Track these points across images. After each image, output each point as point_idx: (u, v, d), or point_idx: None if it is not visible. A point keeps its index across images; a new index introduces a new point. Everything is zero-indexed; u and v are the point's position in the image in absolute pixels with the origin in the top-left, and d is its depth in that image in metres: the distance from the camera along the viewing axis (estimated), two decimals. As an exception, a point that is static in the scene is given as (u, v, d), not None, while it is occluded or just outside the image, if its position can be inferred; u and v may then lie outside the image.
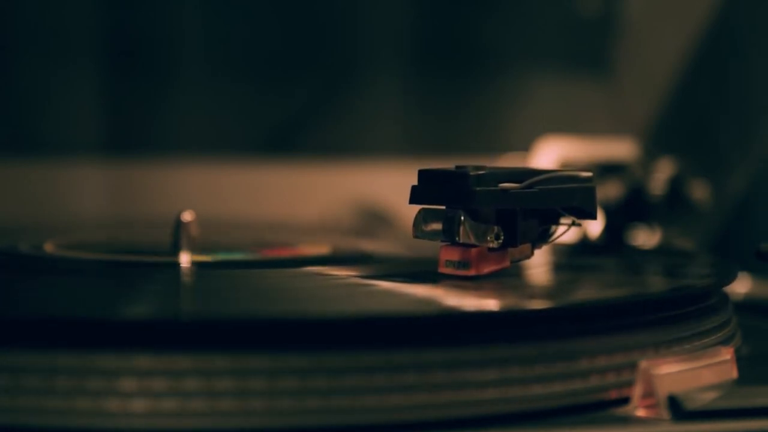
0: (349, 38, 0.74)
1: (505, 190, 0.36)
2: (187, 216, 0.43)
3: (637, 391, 0.31)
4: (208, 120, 0.72)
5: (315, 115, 0.73)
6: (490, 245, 0.36)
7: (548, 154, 0.59)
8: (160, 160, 0.70)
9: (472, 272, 0.36)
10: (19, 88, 0.70)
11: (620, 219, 0.56)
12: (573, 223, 0.38)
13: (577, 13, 0.74)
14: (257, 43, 0.72)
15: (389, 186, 0.59)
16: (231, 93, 0.72)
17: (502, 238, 0.36)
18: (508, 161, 0.66)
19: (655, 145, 0.63)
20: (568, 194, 0.37)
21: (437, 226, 0.36)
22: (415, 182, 0.37)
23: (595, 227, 0.55)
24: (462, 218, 0.35)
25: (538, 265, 0.41)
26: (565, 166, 0.58)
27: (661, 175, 0.56)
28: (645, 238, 0.56)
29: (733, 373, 0.33)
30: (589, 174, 0.38)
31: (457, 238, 0.36)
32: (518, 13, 0.74)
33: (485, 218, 0.36)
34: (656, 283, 0.42)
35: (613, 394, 0.32)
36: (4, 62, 0.70)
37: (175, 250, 0.43)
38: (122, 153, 0.70)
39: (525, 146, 0.65)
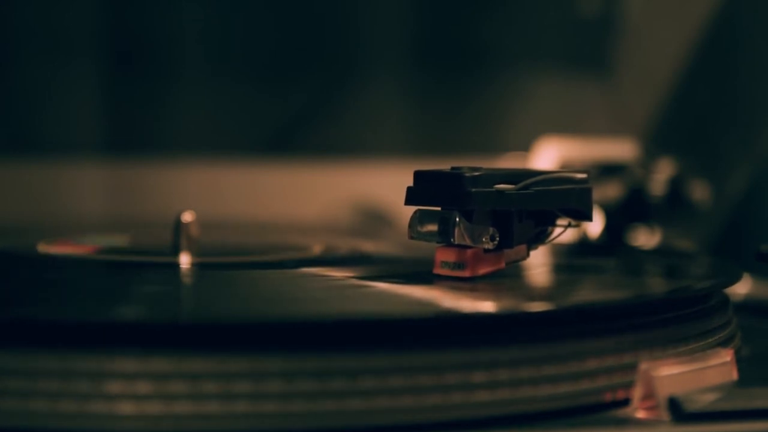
0: (349, 38, 0.74)
1: (501, 192, 0.35)
2: (188, 216, 0.43)
3: (637, 393, 0.31)
4: (209, 120, 0.72)
5: (315, 115, 0.73)
6: (486, 246, 0.36)
7: (548, 155, 0.59)
8: (160, 160, 0.70)
9: (467, 273, 0.36)
10: (19, 88, 0.70)
11: (620, 219, 0.56)
12: (569, 225, 0.38)
13: (577, 13, 0.74)
14: (257, 43, 0.72)
15: (389, 186, 0.59)
16: (231, 93, 0.72)
17: (498, 239, 0.36)
18: (508, 161, 0.66)
19: (655, 145, 0.63)
20: (563, 196, 0.37)
21: (433, 227, 0.36)
22: (414, 183, 0.37)
23: (595, 228, 0.54)
24: (457, 219, 0.35)
25: (538, 266, 0.41)
26: (565, 166, 0.58)
27: (661, 175, 0.56)
28: (645, 238, 0.56)
29: (734, 375, 0.33)
30: (585, 175, 0.38)
31: (452, 240, 0.35)
32: (518, 13, 0.74)
33: (481, 219, 0.36)
34: (656, 284, 0.42)
35: (613, 396, 0.32)
36: (4, 62, 0.70)
37: (175, 251, 0.43)
38: (122, 153, 0.70)
39: (525, 146, 0.65)
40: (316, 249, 0.47)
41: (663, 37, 0.70)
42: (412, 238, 0.37)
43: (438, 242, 0.36)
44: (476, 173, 0.35)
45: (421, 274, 0.37)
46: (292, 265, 0.43)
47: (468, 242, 0.36)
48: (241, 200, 0.71)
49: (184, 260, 0.42)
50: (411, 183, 0.36)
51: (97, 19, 0.70)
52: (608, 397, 0.32)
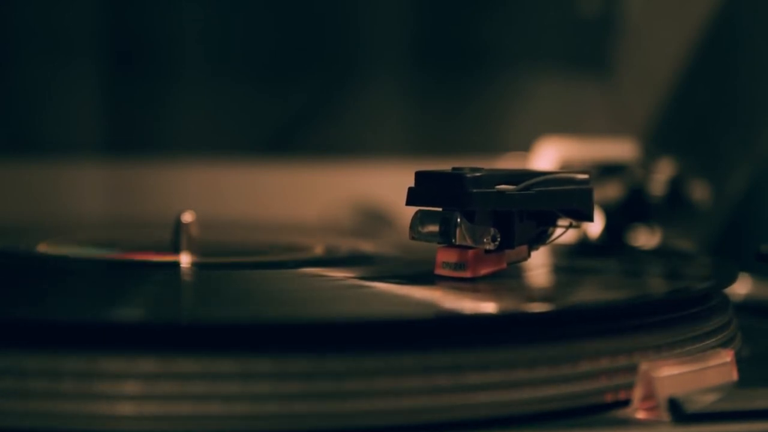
0: (349, 38, 0.74)
1: (502, 192, 0.36)
2: (188, 216, 0.43)
3: (637, 394, 0.31)
4: (209, 120, 0.72)
5: (315, 115, 0.73)
6: (487, 247, 0.36)
7: (548, 155, 0.59)
8: (161, 160, 0.70)
9: (468, 274, 0.36)
10: (20, 87, 0.70)
11: (620, 220, 0.56)
12: (570, 225, 0.38)
13: (577, 13, 0.74)
14: (257, 43, 0.72)
15: (389, 186, 0.59)
16: (231, 93, 0.72)
17: (499, 239, 0.36)
18: (508, 162, 0.66)
19: (655, 145, 0.63)
20: (564, 196, 0.37)
21: (434, 227, 0.36)
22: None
23: (595, 228, 0.54)
24: (458, 220, 0.35)
25: (538, 267, 0.41)
26: (565, 166, 0.58)
27: (661, 175, 0.56)
28: (645, 238, 0.56)
29: (734, 375, 0.33)
30: (586, 176, 0.38)
31: (453, 240, 0.35)
32: (518, 13, 0.74)
33: (482, 220, 0.36)
34: (656, 284, 0.42)
35: (614, 397, 0.32)
36: (4, 62, 0.70)
37: (176, 251, 0.43)
38: (122, 153, 0.70)
39: (525, 146, 0.65)
40: (317, 249, 0.47)
41: (663, 37, 0.70)
42: (413, 238, 0.37)
43: (439, 243, 0.36)
44: (477, 174, 0.35)
45: (422, 275, 0.37)
46: (292, 265, 0.43)
47: (469, 243, 0.36)
48: (241, 200, 0.71)
49: (184, 260, 0.42)
50: (411, 183, 0.37)
51: (97, 19, 0.70)
52: (608, 397, 0.32)
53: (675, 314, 0.34)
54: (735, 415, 0.31)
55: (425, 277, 0.37)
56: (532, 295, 0.37)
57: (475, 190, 0.35)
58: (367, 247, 0.49)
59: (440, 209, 0.36)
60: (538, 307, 0.34)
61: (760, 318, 0.46)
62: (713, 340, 0.35)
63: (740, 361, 0.35)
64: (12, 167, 0.69)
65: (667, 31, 0.69)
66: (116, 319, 0.30)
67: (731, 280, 0.39)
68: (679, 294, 0.37)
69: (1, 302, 0.33)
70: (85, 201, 0.70)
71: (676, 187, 0.56)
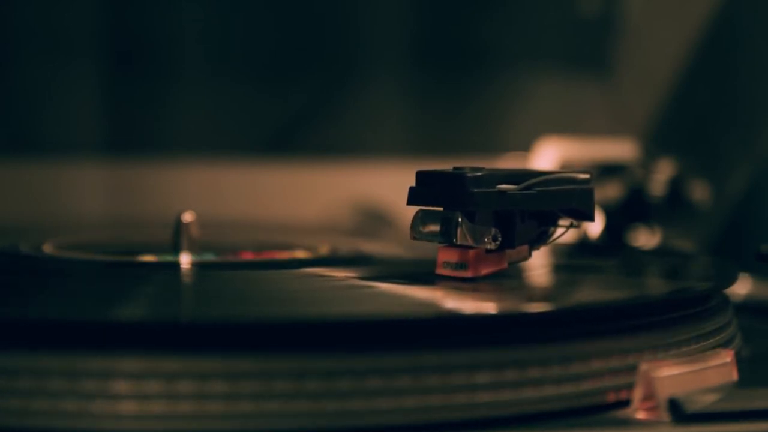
0: (349, 38, 0.74)
1: (503, 192, 0.36)
2: (188, 216, 0.43)
3: (637, 394, 0.31)
4: (209, 120, 0.72)
5: (315, 115, 0.73)
6: (488, 247, 0.36)
7: (548, 155, 0.59)
8: (161, 160, 0.70)
9: (469, 274, 0.36)
10: (20, 87, 0.70)
11: (620, 220, 0.56)
12: (571, 225, 0.38)
13: (577, 13, 0.74)
14: (257, 43, 0.72)
15: (389, 186, 0.59)
16: (231, 93, 0.72)
17: (500, 239, 0.36)
18: (509, 161, 0.66)
19: (655, 145, 0.63)
20: (565, 196, 0.37)
21: (435, 227, 0.36)
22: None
23: (595, 228, 0.54)
24: (459, 220, 0.35)
25: (538, 267, 0.41)
26: (565, 166, 0.58)
27: (661, 175, 0.56)
28: (645, 238, 0.56)
29: (734, 375, 0.33)
30: (587, 176, 0.38)
31: (454, 240, 0.35)
32: (518, 13, 0.74)
33: (483, 220, 0.36)
34: (656, 284, 0.42)
35: (614, 397, 0.32)
36: (4, 62, 0.70)
37: (176, 251, 0.43)
38: (122, 153, 0.70)
39: (525, 146, 0.65)
40: (317, 249, 0.47)
41: (663, 37, 0.70)
42: (414, 238, 0.37)
43: (440, 242, 0.36)
44: (478, 174, 0.35)
45: (423, 275, 0.37)
46: (293, 265, 0.43)
47: (470, 242, 0.36)
48: (241, 200, 0.71)
49: (185, 260, 0.42)
50: (411, 183, 0.37)
51: (97, 19, 0.70)
52: (608, 397, 0.32)
53: (675, 314, 0.34)
54: (735, 415, 0.31)
55: (426, 277, 0.37)
56: (533, 295, 0.37)
57: (476, 190, 0.35)
58: (367, 247, 0.49)
59: (441, 209, 0.36)
60: (538, 307, 0.34)
61: (760, 318, 0.47)
62: (713, 340, 0.35)
63: (740, 361, 0.35)
64: (12, 167, 0.69)
65: (667, 31, 0.69)
66: (102, 320, 0.30)
67: (731, 280, 0.39)
68: (679, 294, 0.37)
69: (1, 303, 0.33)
70: (85, 201, 0.70)
71: (676, 187, 0.56)
